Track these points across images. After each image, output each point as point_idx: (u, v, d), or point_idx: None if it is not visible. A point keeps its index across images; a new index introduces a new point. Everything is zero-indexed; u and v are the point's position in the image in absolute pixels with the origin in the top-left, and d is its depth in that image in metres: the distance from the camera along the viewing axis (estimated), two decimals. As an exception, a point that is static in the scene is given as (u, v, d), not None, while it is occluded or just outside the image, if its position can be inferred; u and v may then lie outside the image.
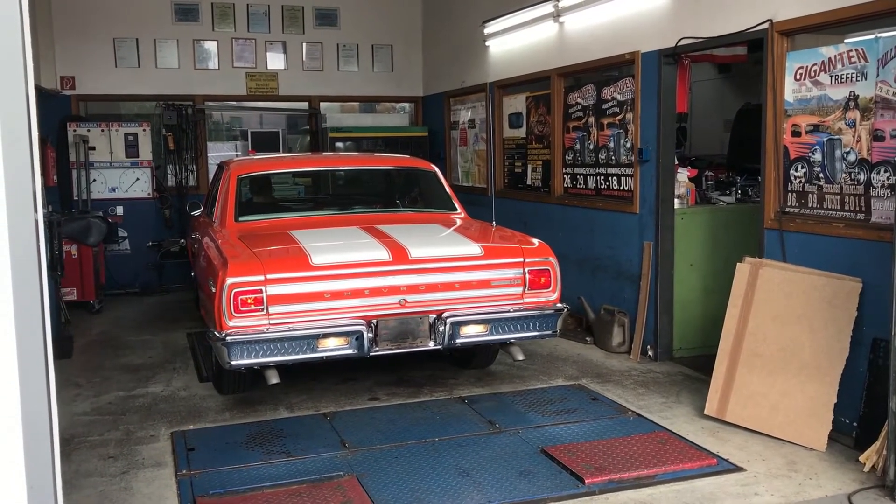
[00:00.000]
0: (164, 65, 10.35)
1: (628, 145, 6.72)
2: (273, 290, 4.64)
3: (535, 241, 5.47)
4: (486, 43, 9.07)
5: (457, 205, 6.41)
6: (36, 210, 2.52)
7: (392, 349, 4.86)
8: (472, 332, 5.01)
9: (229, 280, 4.58)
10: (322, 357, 4.75)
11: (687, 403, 5.36)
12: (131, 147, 10.00)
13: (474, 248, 5.15)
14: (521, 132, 8.60)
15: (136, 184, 10.01)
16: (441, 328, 4.92)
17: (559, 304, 5.28)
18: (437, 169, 6.72)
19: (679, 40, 5.98)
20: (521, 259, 5.18)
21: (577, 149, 7.53)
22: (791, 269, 4.90)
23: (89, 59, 10.07)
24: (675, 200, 6.46)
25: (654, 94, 6.34)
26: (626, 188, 6.81)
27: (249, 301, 4.59)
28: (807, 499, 3.99)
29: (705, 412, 5.03)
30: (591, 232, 7.29)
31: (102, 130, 9.88)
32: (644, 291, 6.52)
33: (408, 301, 4.89)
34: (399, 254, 4.95)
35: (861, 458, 4.28)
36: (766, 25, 5.16)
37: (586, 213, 7.39)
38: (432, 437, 4.79)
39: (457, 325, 4.94)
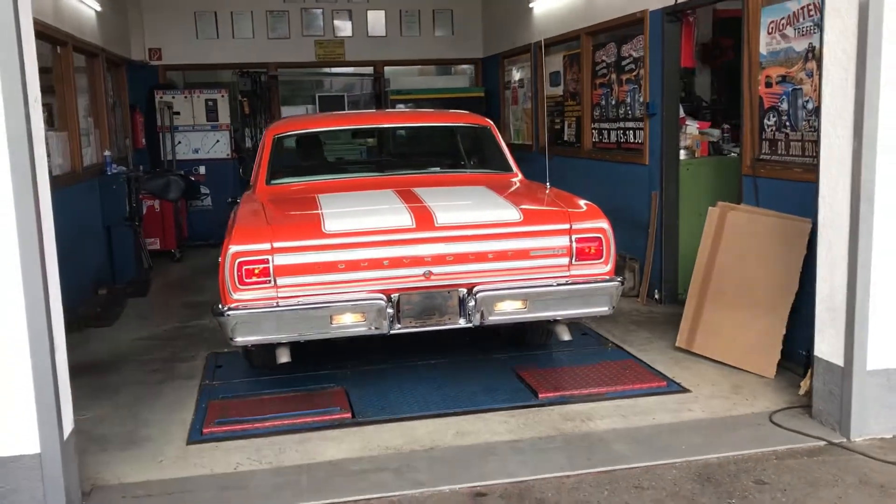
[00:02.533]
0: (240, 35, 11.27)
1: (641, 100, 7.09)
2: (281, 259, 4.21)
3: (584, 203, 4.80)
4: (530, 4, 9.49)
5: (512, 164, 5.81)
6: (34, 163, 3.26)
7: (416, 327, 4.37)
8: (509, 309, 4.42)
9: (233, 248, 4.21)
10: (337, 335, 4.35)
11: (668, 339, 5.79)
12: (211, 112, 10.99)
13: (512, 213, 4.52)
14: (559, 90, 9.02)
15: (217, 146, 11.00)
16: (471, 303, 4.38)
17: (613, 278, 4.62)
18: (492, 125, 6.11)
19: (678, -1, 6.30)
20: (567, 226, 4.52)
21: (602, 105, 7.92)
22: (755, 211, 5.25)
23: (174, 31, 11.09)
24: (682, 152, 6.79)
25: (659, 50, 6.67)
26: (638, 141, 7.18)
27: (255, 272, 4.20)
28: (732, 415, 4.43)
29: (676, 344, 5.48)
30: (613, 184, 7.69)
31: (185, 97, 10.90)
32: (651, 239, 6.92)
33: (434, 273, 4.34)
34: (424, 220, 4.39)
35: (801, 384, 4.65)
36: (743, -18, 5.45)
37: (609, 166, 7.79)
38: (418, 360, 5.40)
39: (489, 301, 4.37)
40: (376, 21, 11.52)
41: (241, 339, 4.24)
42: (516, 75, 10.44)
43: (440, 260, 4.34)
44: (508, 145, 6.18)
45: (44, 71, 3.84)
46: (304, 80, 12.09)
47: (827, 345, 4.16)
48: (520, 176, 5.74)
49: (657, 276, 6.91)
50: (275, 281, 4.23)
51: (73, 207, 7.06)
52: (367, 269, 4.30)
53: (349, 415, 4.53)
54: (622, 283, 4.64)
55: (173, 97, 10.85)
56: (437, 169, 6.00)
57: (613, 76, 7.64)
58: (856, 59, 3.82)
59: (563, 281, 4.51)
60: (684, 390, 4.81)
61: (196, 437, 4.34)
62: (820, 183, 4.13)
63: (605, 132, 7.90)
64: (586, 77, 8.19)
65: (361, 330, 4.30)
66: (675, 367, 5.20)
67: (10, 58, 3.12)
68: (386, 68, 11.80)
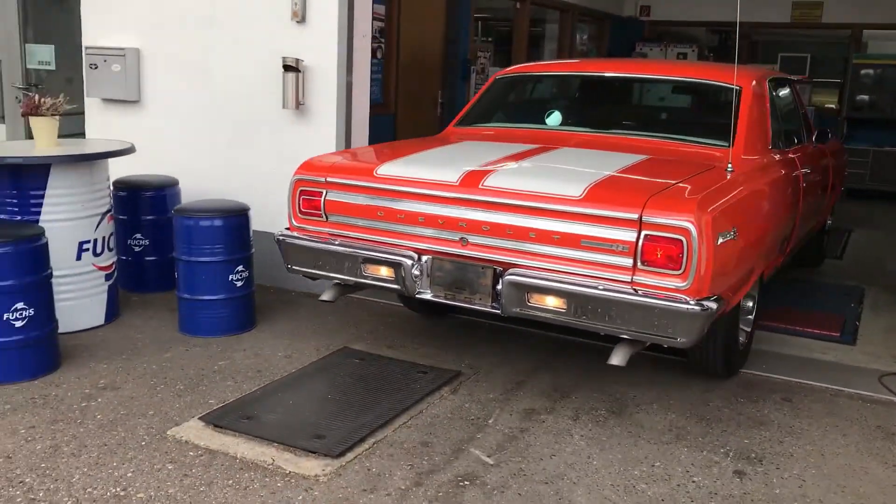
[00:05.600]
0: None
1: None
2: (332, 195, 4.04)
3: (683, 191, 3.56)
4: None
5: (739, 139, 4.29)
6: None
7: (445, 298, 3.82)
8: (545, 304, 3.57)
9: (295, 176, 4.16)
10: (371, 284, 4.03)
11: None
12: (681, 65, 12.24)
13: (573, 188, 3.53)
14: None
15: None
16: (499, 286, 3.67)
17: (694, 299, 3.31)
18: (745, 87, 4.55)
19: None
20: (636, 216, 3.35)
21: None
22: None
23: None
24: None
25: None
26: None
27: (312, 203, 4.11)
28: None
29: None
30: None
31: (661, 49, 12.34)
32: None
33: (469, 241, 3.71)
34: (471, 179, 3.74)
35: None
36: None
37: None
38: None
39: (519, 288, 3.59)
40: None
41: (294, 268, 4.21)
42: None
43: (475, 227, 3.68)
44: None
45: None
46: (769, 40, 12.41)
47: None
48: (736, 152, 4.12)
49: None
50: (327, 217, 4.08)
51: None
52: (403, 223, 3.88)
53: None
54: (708, 309, 3.30)
55: (650, 49, 12.38)
56: (645, 132, 4.74)
57: None
58: None
59: (618, 287, 3.41)
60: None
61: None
62: None
63: None
64: None
65: (391, 286, 3.95)
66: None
67: (342, 4, 5.19)
68: (865, 32, 11.48)
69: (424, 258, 3.84)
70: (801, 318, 5.35)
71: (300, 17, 5.18)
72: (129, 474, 3.15)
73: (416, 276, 3.84)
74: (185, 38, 5.66)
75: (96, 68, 5.92)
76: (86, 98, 6.11)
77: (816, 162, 5.58)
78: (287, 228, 4.24)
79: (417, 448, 3.45)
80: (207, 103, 5.64)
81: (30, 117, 4.66)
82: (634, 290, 3.38)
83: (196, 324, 4.67)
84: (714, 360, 4.16)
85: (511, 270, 3.61)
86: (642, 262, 3.37)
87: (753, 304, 4.46)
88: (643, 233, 3.35)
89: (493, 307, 3.71)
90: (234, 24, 5.45)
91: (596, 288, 3.43)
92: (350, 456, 3.33)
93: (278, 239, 4.23)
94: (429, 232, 3.83)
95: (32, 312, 3.96)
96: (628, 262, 3.39)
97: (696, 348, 3.93)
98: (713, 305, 3.34)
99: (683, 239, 3.27)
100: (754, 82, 4.67)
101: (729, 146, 4.17)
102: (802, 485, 3.31)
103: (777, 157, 4.68)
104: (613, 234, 3.40)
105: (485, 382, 4.15)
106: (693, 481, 3.30)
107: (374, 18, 6.77)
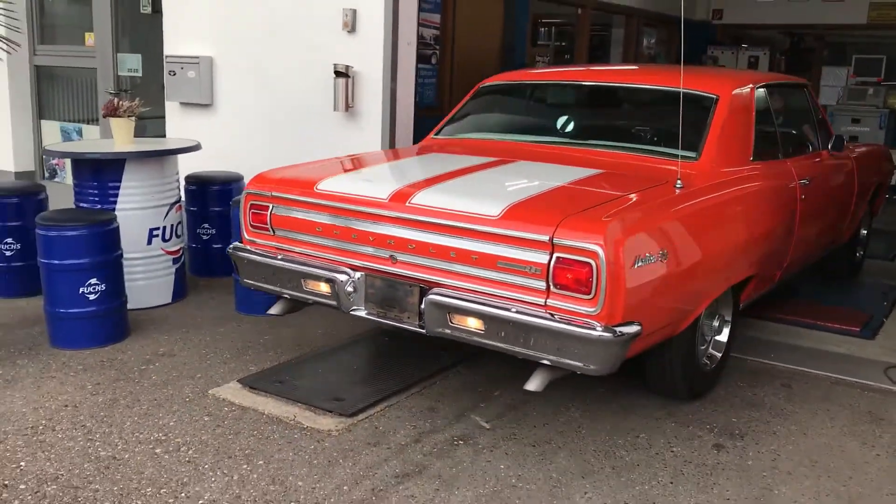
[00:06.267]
0: (794, -3, 12.10)
1: None
2: (276, 210, 3.99)
3: (603, 211, 3.33)
4: None
5: (708, 151, 4.15)
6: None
7: (377, 316, 3.74)
8: (466, 326, 3.43)
9: (245, 190, 4.12)
10: (312, 299, 3.96)
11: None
12: (751, 67, 12.24)
13: (492, 207, 3.40)
14: None
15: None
16: (422, 306, 3.54)
17: (603, 325, 3.13)
18: (721, 96, 4.37)
19: None
20: (548, 237, 3.20)
21: None
22: None
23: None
24: None
25: None
26: None
27: (260, 217, 4.06)
28: None
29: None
30: None
31: (732, 53, 12.37)
32: None
33: (398, 259, 3.64)
34: (400, 195, 3.65)
35: None
36: None
37: None
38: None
39: (440, 308, 3.47)
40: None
41: (247, 281, 4.18)
42: None
43: (402, 245, 3.60)
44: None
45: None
46: (846, 42, 12.24)
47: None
48: (699, 163, 4.07)
49: None
50: (273, 231, 4.03)
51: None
52: (338, 238, 3.81)
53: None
54: (622, 336, 3.13)
55: (721, 52, 12.42)
56: (612, 144, 4.51)
57: None
58: None
59: (532, 310, 3.26)
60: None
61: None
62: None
63: None
64: None
65: (327, 301, 3.85)
66: None
67: (387, 14, 5.65)
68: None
69: (358, 275, 3.75)
70: (823, 313, 5.50)
71: (350, 28, 5.67)
72: (172, 423, 3.68)
73: (350, 293, 3.75)
74: (250, 48, 6.24)
75: (175, 75, 6.57)
76: (166, 101, 6.78)
77: (828, 171, 5.33)
78: (240, 241, 4.22)
79: (424, 412, 3.85)
80: (269, 106, 6.20)
81: (109, 118, 5.29)
82: (551, 314, 3.21)
83: (250, 304, 5.18)
84: (672, 383, 4.00)
85: (433, 290, 3.51)
86: (555, 286, 3.21)
87: (722, 326, 4.24)
88: (555, 255, 3.19)
89: (419, 326, 3.58)
90: (293, 35, 5.99)
91: (509, 310, 3.28)
92: (362, 416, 3.78)
93: (228, 252, 4.24)
94: (361, 249, 3.75)
95: (104, 288, 4.55)
96: (542, 284, 3.24)
97: (652, 371, 3.99)
98: (630, 331, 3.16)
99: (592, 262, 3.10)
100: (735, 91, 4.50)
101: (696, 158, 4.09)
102: (776, 458, 3.56)
103: (762, 169, 4.40)
104: (527, 255, 3.25)
105: (499, 361, 4.51)
106: (672, 451, 3.59)
107: (428, 26, 7.24)
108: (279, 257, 3.99)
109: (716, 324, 4.21)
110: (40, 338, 4.67)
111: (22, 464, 3.31)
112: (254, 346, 4.67)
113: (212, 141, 5.88)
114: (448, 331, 3.48)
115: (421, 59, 7.01)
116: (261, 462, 3.36)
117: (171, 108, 6.80)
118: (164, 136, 6.84)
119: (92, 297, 4.52)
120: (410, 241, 3.56)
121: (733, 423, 3.88)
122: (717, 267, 3.87)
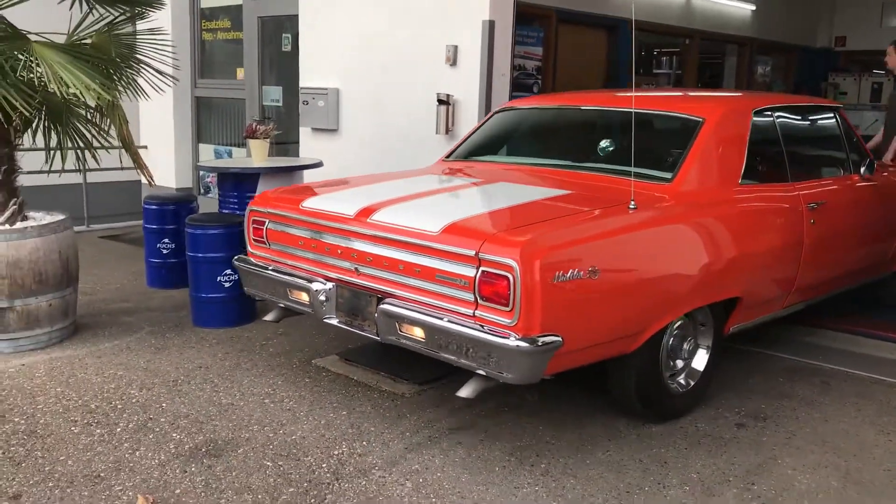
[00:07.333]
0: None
1: None
2: (270, 225, 4.41)
3: (532, 229, 3.53)
4: None
5: (683, 173, 4.22)
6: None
7: (346, 324, 4.07)
8: (412, 334, 3.68)
9: (248, 207, 4.58)
10: (293, 307, 4.36)
11: None
12: (875, 93, 12.20)
13: (433, 224, 3.66)
14: None
15: (873, 125, 12.19)
16: (375, 315, 3.84)
17: (518, 336, 3.30)
18: (707, 119, 4.39)
19: None
20: (474, 252, 3.42)
21: None
22: None
23: (860, 20, 12.51)
24: None
25: None
26: None
27: (259, 232, 4.49)
28: None
29: None
30: None
31: (855, 79, 12.37)
32: None
33: (360, 271, 3.95)
34: (364, 212, 3.96)
35: None
36: None
37: None
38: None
39: (390, 317, 3.75)
40: None
41: (248, 290, 4.69)
42: None
43: (363, 258, 3.91)
44: None
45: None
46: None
47: None
48: (697, 191, 4.18)
49: None
50: (269, 244, 4.44)
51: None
52: (315, 252, 4.17)
53: None
54: (539, 347, 3.28)
55: (844, 79, 12.43)
56: (597, 166, 4.65)
57: None
58: None
59: (461, 320, 3.49)
60: None
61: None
62: None
63: None
64: None
65: (308, 310, 4.20)
66: None
67: (483, 49, 6.43)
68: None
69: (330, 285, 4.08)
70: (883, 326, 5.75)
71: (452, 61, 6.49)
72: (280, 382, 4.55)
73: (323, 302, 4.08)
74: (368, 80, 7.18)
75: (307, 104, 7.62)
76: (300, 127, 7.83)
77: (854, 194, 5.24)
78: (246, 254, 4.66)
79: (485, 385, 4.54)
80: (381, 129, 7.11)
81: (249, 140, 6.34)
82: (481, 325, 3.41)
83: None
84: (629, 400, 4.09)
85: (385, 300, 3.78)
86: (481, 298, 3.41)
87: (694, 348, 4.26)
88: (480, 269, 3.39)
89: (376, 334, 3.87)
90: (404, 69, 6.88)
91: (441, 319, 3.52)
92: (432, 385, 4.51)
93: (233, 263, 4.75)
94: (333, 261, 4.07)
95: (236, 278, 5.52)
96: (471, 297, 3.45)
97: (613, 387, 4.11)
98: (547, 342, 3.29)
99: (509, 276, 3.28)
100: (724, 113, 4.55)
101: (669, 180, 4.19)
102: (791, 437, 4.00)
103: (752, 192, 4.43)
104: (459, 269, 3.48)
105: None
106: (696, 426, 4.11)
107: (531, 58, 7.97)
108: (270, 268, 4.42)
109: (687, 347, 4.19)
110: (185, 319, 5.70)
111: (163, 404, 4.26)
112: (355, 331, 5.51)
113: (335, 161, 6.83)
114: (398, 338, 3.75)
115: (522, 87, 7.76)
116: (344, 413, 4.16)
117: (305, 133, 7.84)
118: (298, 156, 7.89)
119: (227, 284, 5.50)
120: (369, 255, 3.87)
121: (761, 409, 4.33)
122: (669, 288, 3.89)
